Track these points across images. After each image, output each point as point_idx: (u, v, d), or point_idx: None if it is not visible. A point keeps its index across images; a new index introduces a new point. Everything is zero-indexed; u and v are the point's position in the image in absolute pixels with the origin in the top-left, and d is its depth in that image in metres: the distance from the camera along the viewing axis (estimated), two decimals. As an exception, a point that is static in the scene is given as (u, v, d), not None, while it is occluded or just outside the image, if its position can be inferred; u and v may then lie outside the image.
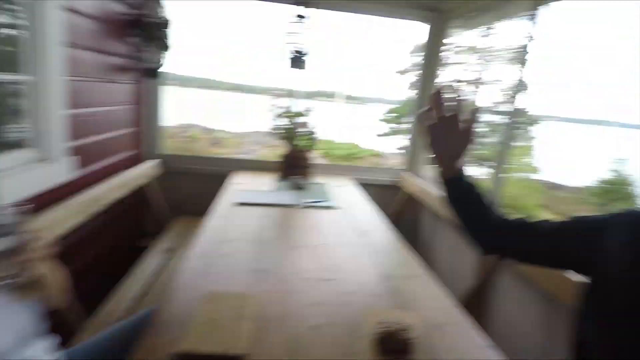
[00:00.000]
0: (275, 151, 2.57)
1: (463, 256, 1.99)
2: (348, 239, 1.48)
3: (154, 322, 0.85)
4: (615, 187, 6.79)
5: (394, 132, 10.15)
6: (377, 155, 8.91)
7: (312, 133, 2.27)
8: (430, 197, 2.19)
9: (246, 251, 1.28)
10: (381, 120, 10.26)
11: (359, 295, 1.05)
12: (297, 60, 2.23)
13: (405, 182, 2.61)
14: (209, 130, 8.82)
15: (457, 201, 0.81)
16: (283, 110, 2.24)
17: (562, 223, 0.73)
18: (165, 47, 2.08)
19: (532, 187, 7.58)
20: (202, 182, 2.49)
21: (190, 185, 2.56)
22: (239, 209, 1.71)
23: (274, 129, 2.25)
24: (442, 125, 0.75)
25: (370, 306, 0.99)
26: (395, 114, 10.16)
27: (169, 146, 2.77)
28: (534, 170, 8.53)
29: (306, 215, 1.73)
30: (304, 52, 2.26)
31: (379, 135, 10.11)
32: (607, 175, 6.97)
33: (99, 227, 1.80)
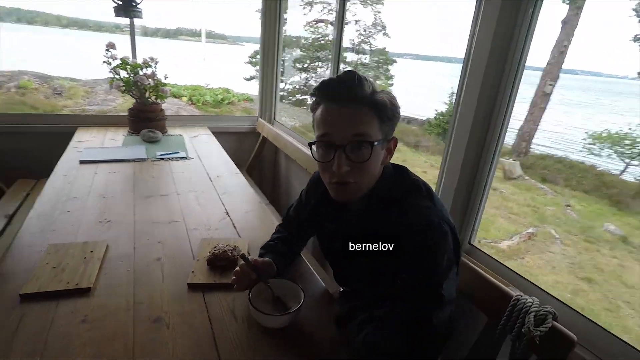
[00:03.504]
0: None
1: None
2: (198, 186, 1.64)
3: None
4: (451, 118, 8.13)
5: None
6: (249, 99, 8.84)
7: (160, 84, 2.24)
8: (283, 141, 2.46)
9: (91, 207, 1.34)
10: (247, 62, 9.94)
11: (200, 231, 1.25)
12: (126, 9, 2.06)
13: (261, 128, 2.82)
14: (46, 78, 7.41)
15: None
16: (120, 62, 2.13)
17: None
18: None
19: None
20: (41, 141, 2.28)
21: (26, 146, 2.31)
22: (84, 168, 1.69)
23: (114, 81, 2.15)
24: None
25: (207, 238, 1.21)
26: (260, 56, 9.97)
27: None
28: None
29: (158, 167, 1.81)
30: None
31: (246, 79, 9.85)
32: (443, 107, 8.34)
33: None
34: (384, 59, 10.03)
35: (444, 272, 0.72)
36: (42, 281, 0.91)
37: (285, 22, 2.71)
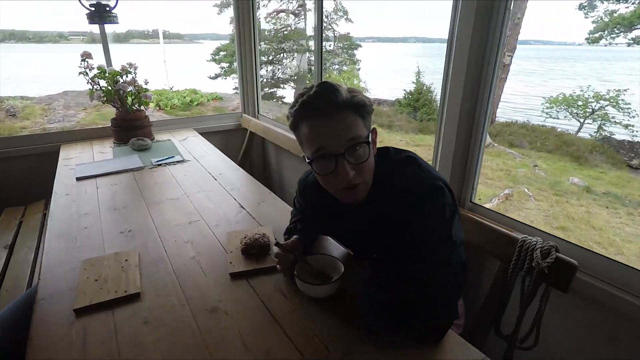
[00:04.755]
0: (101, 113, 2.38)
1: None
2: (205, 186, 1.67)
3: (37, 300, 0.93)
4: (419, 96, 8.40)
5: (227, 73, 9.79)
6: (219, 98, 8.66)
7: (141, 90, 2.21)
8: (271, 133, 2.50)
9: (106, 219, 1.35)
10: (210, 60, 9.69)
11: (223, 226, 1.30)
12: (101, 15, 2.00)
13: (246, 123, 2.84)
14: (-3, 100, 6.97)
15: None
16: (98, 71, 2.08)
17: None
18: None
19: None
20: (22, 165, 2.20)
21: (7, 172, 2.22)
22: (83, 184, 1.68)
23: (93, 91, 2.10)
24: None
25: (233, 231, 1.26)
26: (224, 53, 9.72)
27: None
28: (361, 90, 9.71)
29: (158, 174, 1.82)
30: (107, 4, 2.04)
31: (211, 78, 9.62)
32: (411, 86, 8.56)
33: None
34: (349, 44, 10.05)
35: (449, 222, 0.79)
36: (90, 294, 0.94)
37: (259, 12, 2.70)
